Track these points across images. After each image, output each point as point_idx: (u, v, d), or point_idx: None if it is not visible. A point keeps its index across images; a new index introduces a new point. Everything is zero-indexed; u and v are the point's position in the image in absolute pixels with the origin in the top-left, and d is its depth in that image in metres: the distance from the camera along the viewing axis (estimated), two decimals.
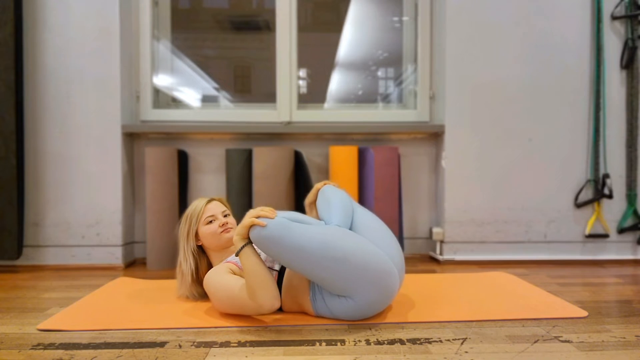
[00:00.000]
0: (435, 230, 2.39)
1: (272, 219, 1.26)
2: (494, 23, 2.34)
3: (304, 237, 1.25)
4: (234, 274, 1.45)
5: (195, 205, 1.61)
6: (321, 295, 1.36)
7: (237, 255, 1.33)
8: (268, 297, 1.28)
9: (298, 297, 1.41)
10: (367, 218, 1.51)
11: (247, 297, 1.30)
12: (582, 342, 1.22)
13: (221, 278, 1.39)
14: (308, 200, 1.70)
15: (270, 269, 1.43)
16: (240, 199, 2.30)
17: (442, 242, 2.39)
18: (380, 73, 2.78)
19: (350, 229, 1.47)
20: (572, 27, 2.36)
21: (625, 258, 2.39)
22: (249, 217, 1.29)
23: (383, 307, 1.36)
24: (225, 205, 1.68)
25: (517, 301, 1.58)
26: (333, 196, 1.52)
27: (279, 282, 1.43)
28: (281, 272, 1.44)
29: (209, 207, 1.60)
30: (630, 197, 2.38)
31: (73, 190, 2.27)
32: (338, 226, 1.39)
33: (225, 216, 1.61)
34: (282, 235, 1.24)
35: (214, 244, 1.58)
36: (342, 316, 1.36)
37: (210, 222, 1.57)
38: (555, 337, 1.25)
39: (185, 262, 1.58)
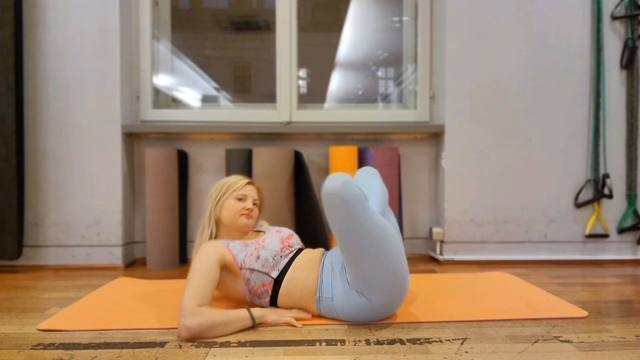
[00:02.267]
0: (435, 230, 2.39)
1: (355, 185, 1.24)
2: (494, 23, 2.34)
3: (373, 222, 1.25)
4: (224, 259, 1.40)
5: (236, 179, 1.60)
6: (330, 296, 1.36)
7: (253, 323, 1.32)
8: (197, 323, 1.23)
9: (302, 300, 1.41)
10: (393, 220, 1.52)
11: (190, 297, 1.26)
12: (582, 342, 1.22)
13: (202, 262, 1.35)
14: None
15: (267, 275, 1.41)
16: None
17: (442, 242, 2.39)
18: (380, 73, 2.78)
19: None
20: (572, 27, 2.36)
21: (625, 258, 2.39)
22: (288, 317, 1.35)
23: (388, 314, 1.37)
24: (260, 197, 1.67)
25: (517, 301, 1.58)
26: (375, 185, 1.50)
27: (276, 288, 1.41)
28: (278, 279, 1.42)
29: (246, 187, 1.60)
30: (630, 197, 2.38)
31: (73, 190, 2.27)
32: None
33: (254, 204, 1.60)
34: (356, 207, 1.23)
35: (228, 221, 1.55)
36: (345, 317, 1.36)
37: (240, 199, 1.56)
38: (555, 337, 1.25)
39: (208, 226, 1.57)
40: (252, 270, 1.40)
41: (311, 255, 1.46)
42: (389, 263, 1.28)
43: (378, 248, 1.26)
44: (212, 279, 1.33)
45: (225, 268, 1.41)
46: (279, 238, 1.48)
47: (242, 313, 1.31)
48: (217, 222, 1.58)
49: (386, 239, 1.27)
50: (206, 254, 1.37)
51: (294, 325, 1.34)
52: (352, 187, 1.23)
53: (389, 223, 1.34)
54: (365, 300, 1.32)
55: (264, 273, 1.40)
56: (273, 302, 1.44)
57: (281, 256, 1.43)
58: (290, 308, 1.43)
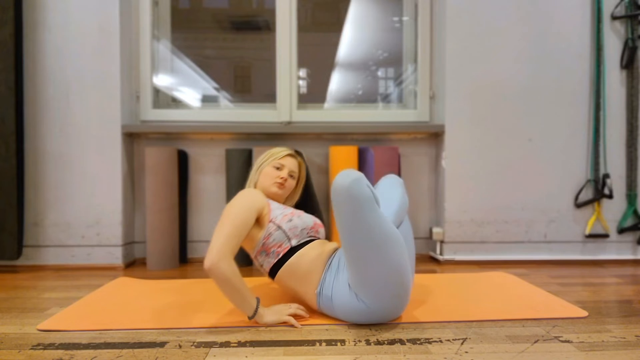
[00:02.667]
0: (435, 230, 2.39)
1: (366, 185, 1.24)
2: (494, 23, 2.34)
3: (376, 223, 1.23)
4: (262, 210, 1.45)
5: (280, 149, 1.68)
6: (330, 294, 1.36)
7: (250, 317, 1.34)
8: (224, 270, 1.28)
9: (301, 286, 1.41)
10: (408, 232, 1.50)
11: (226, 238, 1.31)
12: (582, 342, 1.22)
13: (243, 206, 1.40)
14: None
15: (288, 239, 1.43)
16: None
17: (442, 242, 2.39)
18: (380, 73, 2.78)
19: None
20: (572, 27, 2.36)
21: (625, 258, 2.39)
22: (286, 316, 1.34)
23: (385, 320, 1.36)
24: (300, 170, 1.74)
25: (517, 301, 1.58)
26: (398, 197, 1.49)
27: (286, 258, 1.42)
28: (293, 249, 1.42)
29: (287, 158, 1.66)
30: (630, 197, 2.38)
31: (73, 191, 2.27)
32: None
33: (290, 176, 1.66)
34: (363, 206, 1.22)
35: (262, 186, 1.62)
36: (343, 317, 1.36)
37: (277, 168, 1.63)
38: (556, 337, 1.25)
39: (249, 183, 1.68)
40: (279, 227, 1.44)
41: (325, 248, 1.47)
42: (389, 270, 1.25)
43: (379, 252, 1.24)
44: (246, 226, 1.38)
45: (258, 219, 1.46)
46: (313, 219, 1.53)
47: (252, 299, 1.33)
48: (255, 187, 1.66)
49: (390, 245, 1.25)
50: (250, 200, 1.43)
51: (293, 325, 1.34)
52: (361, 186, 1.22)
53: (398, 232, 1.31)
54: (362, 305, 1.31)
55: (287, 236, 1.43)
56: (274, 271, 1.44)
57: (307, 233, 1.47)
58: (286, 288, 1.45)
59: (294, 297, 1.54)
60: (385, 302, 1.30)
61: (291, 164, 1.66)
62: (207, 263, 1.27)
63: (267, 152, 1.69)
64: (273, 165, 1.63)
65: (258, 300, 1.35)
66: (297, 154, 1.74)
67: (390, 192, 1.51)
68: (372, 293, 1.28)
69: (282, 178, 1.60)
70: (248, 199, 1.43)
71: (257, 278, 1.97)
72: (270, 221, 1.45)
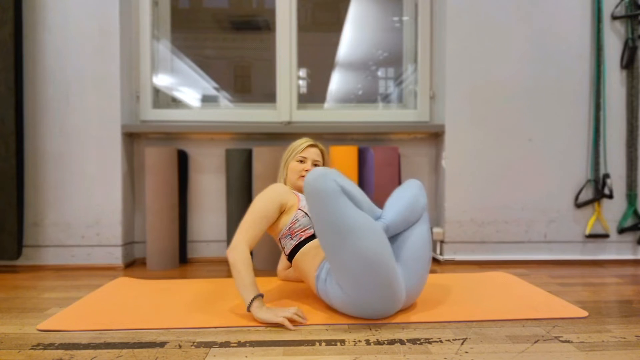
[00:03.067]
0: (436, 230, 2.39)
1: (332, 179, 1.30)
2: (494, 23, 2.34)
3: (341, 213, 1.28)
4: (285, 203, 1.57)
5: (300, 142, 1.79)
6: (324, 277, 1.41)
7: (248, 308, 1.38)
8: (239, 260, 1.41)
9: (311, 268, 1.47)
10: (419, 237, 1.44)
11: (242, 231, 1.47)
12: (583, 342, 1.21)
13: (265, 200, 1.53)
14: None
15: (311, 227, 1.53)
16: (240, 199, 2.30)
17: (442, 242, 2.39)
18: (380, 73, 2.77)
19: (399, 235, 1.44)
20: (572, 27, 2.36)
21: (625, 258, 2.39)
22: (281, 317, 1.34)
23: (372, 315, 1.36)
24: (323, 157, 1.83)
25: (517, 301, 1.58)
26: (407, 198, 1.46)
27: (305, 242, 1.51)
28: (314, 235, 1.51)
29: (308, 149, 1.77)
30: (631, 197, 2.38)
31: (73, 190, 2.27)
32: (386, 225, 1.38)
33: (314, 165, 1.75)
34: (327, 199, 1.28)
35: (291, 181, 1.76)
36: (336, 305, 1.39)
37: (301, 161, 1.75)
38: (556, 337, 1.25)
39: (280, 176, 1.81)
40: (305, 214, 1.55)
41: None
42: (359, 259, 1.26)
43: (345, 241, 1.26)
44: (267, 219, 1.51)
45: (284, 209, 1.58)
46: None
47: (252, 291, 1.38)
48: (285, 182, 1.79)
49: (358, 235, 1.26)
50: (272, 194, 1.55)
51: (286, 327, 1.33)
52: (326, 180, 1.29)
53: (375, 225, 1.31)
54: (341, 292, 1.34)
55: (311, 224, 1.53)
56: (293, 253, 1.54)
57: None
58: (297, 273, 1.53)
59: (306, 282, 1.57)
60: (363, 293, 1.30)
61: (313, 154, 1.76)
62: (228, 249, 1.44)
63: (290, 146, 1.80)
64: (296, 160, 1.74)
65: (259, 295, 1.38)
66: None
67: (401, 192, 1.49)
68: (346, 281, 1.31)
69: (306, 170, 1.72)
70: (271, 192, 1.56)
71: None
72: (299, 209, 1.56)
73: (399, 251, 1.41)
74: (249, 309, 1.37)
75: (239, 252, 1.41)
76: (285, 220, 1.56)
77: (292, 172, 1.74)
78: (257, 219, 1.49)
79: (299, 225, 1.54)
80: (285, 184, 1.79)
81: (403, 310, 1.47)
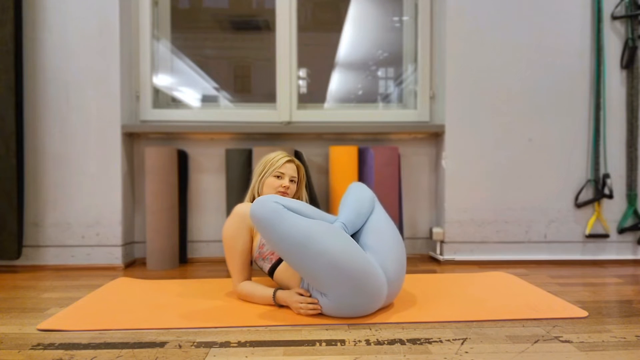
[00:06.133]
0: (436, 230, 2.38)
1: (272, 201, 1.36)
2: (494, 23, 2.34)
3: (292, 226, 1.32)
4: (251, 226, 1.59)
5: (277, 157, 1.74)
6: (311, 289, 1.43)
7: (274, 298, 1.51)
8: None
9: (291, 284, 1.51)
10: (379, 222, 1.52)
11: (234, 276, 1.60)
12: (583, 342, 1.21)
13: (233, 237, 1.58)
14: None
15: None
16: (240, 199, 2.29)
17: (442, 242, 2.39)
18: (380, 73, 2.77)
19: (361, 229, 1.51)
20: (572, 27, 2.36)
21: (626, 258, 2.39)
22: (297, 303, 1.42)
23: (365, 310, 1.37)
24: (299, 173, 1.81)
25: (517, 301, 1.58)
26: (351, 195, 1.57)
27: (280, 261, 1.55)
28: None
29: (285, 165, 1.73)
30: (631, 197, 2.38)
31: (73, 191, 2.27)
32: (343, 224, 1.45)
33: (291, 181, 1.74)
34: (273, 220, 1.33)
35: (264, 195, 1.71)
36: (328, 312, 1.40)
37: (278, 177, 1.71)
38: (556, 337, 1.25)
39: (251, 191, 1.77)
40: None
41: None
42: (326, 260, 1.29)
43: (306, 250, 1.30)
44: (245, 250, 1.59)
45: (253, 231, 1.61)
46: None
47: (269, 294, 1.50)
48: (259, 195, 1.75)
49: (316, 240, 1.30)
50: (238, 224, 1.58)
51: (303, 303, 1.41)
52: (267, 203, 1.35)
53: (326, 225, 1.36)
54: (327, 300, 1.37)
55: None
56: (271, 273, 1.57)
57: None
58: (282, 284, 1.55)
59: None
60: (345, 290, 1.32)
61: (290, 169, 1.74)
62: (233, 288, 1.61)
63: (264, 159, 1.75)
64: (274, 175, 1.71)
65: (275, 290, 1.51)
66: (296, 154, 1.77)
67: (345, 195, 1.60)
68: (325, 286, 1.34)
69: (284, 187, 1.69)
70: (236, 221, 1.59)
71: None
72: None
73: (366, 240, 1.46)
74: (275, 300, 1.49)
75: (240, 288, 1.58)
76: (255, 244, 1.61)
77: (269, 188, 1.70)
78: (237, 258, 1.58)
79: (267, 250, 1.57)
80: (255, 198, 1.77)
81: (403, 309, 1.47)
